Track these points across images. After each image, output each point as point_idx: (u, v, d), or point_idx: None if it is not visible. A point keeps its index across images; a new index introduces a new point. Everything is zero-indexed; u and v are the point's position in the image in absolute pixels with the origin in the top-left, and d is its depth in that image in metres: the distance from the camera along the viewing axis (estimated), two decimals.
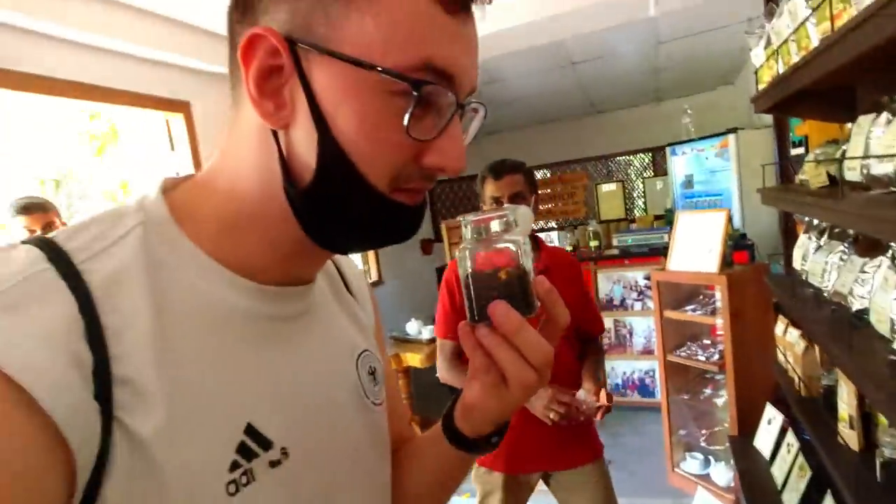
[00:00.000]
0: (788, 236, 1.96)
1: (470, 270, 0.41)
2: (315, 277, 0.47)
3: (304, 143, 0.37)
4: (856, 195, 0.87)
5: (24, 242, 0.35)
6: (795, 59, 1.09)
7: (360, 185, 0.37)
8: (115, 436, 0.32)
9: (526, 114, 5.16)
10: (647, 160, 5.07)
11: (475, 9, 0.38)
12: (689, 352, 2.59)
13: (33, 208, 2.11)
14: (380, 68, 0.34)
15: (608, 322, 3.53)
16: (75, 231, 0.37)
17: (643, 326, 3.46)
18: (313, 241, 0.40)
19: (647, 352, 3.46)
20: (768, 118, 2.41)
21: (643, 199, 4.97)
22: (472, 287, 0.41)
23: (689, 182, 3.96)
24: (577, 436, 1.55)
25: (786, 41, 1.14)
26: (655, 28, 3.14)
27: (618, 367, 3.56)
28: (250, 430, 0.38)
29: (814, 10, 0.94)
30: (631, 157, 5.08)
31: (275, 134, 0.37)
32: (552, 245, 1.90)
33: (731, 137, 3.35)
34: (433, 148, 0.38)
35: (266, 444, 0.39)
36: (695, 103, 4.18)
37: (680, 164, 4.04)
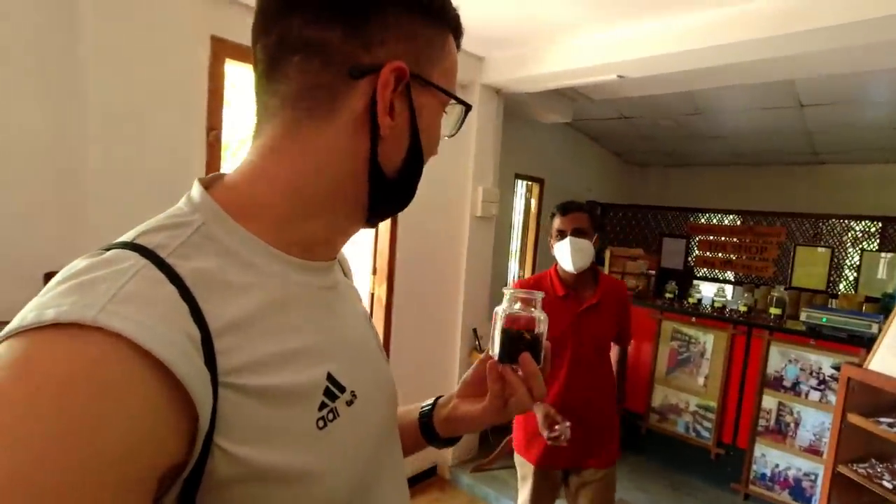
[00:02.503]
0: None
1: (506, 325, 0.59)
2: (336, 256, 0.56)
3: (397, 145, 0.48)
4: None
5: (107, 249, 0.40)
6: None
7: (421, 171, 0.52)
8: (224, 395, 0.38)
9: (726, 152, 4.67)
10: (873, 229, 4.22)
11: None
12: (871, 471, 2.14)
13: None
14: (453, 95, 0.51)
15: (771, 402, 3.07)
16: (150, 232, 0.41)
17: (815, 421, 2.92)
18: (369, 219, 0.52)
19: (814, 451, 2.92)
20: None
21: (855, 274, 4.16)
22: (504, 337, 0.59)
23: None
24: (601, 443, 1.86)
25: None
26: None
27: (770, 456, 3.07)
28: (330, 378, 0.47)
29: None
30: (852, 222, 4.28)
31: (372, 139, 0.47)
32: (608, 274, 2.26)
33: None
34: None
35: (342, 388, 0.48)
36: None
37: None
